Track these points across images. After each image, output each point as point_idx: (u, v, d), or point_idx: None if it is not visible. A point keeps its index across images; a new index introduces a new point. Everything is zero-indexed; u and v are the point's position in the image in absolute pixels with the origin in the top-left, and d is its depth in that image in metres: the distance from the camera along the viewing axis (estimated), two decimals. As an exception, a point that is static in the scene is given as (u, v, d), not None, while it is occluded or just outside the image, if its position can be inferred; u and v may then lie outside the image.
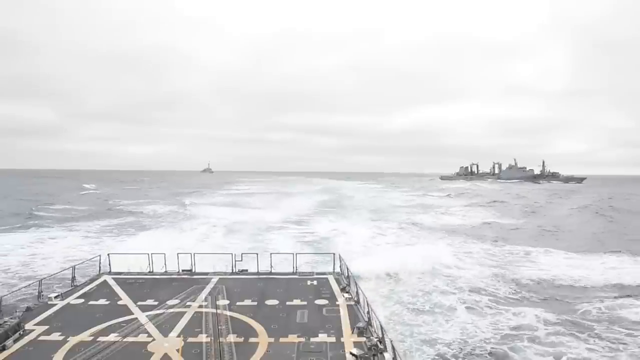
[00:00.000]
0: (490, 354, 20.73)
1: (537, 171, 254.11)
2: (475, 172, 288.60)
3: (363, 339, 13.90)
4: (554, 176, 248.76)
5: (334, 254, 23.19)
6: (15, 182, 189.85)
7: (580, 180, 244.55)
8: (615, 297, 29.76)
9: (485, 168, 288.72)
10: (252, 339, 14.10)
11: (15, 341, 13.79)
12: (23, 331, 14.47)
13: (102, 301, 17.71)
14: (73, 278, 19.91)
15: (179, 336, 14.33)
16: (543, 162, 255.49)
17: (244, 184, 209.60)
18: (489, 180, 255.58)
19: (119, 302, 17.53)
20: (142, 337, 14.23)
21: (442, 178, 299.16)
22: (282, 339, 14.12)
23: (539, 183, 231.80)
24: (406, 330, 22.79)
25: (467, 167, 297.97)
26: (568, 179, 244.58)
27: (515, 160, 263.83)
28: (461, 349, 21.10)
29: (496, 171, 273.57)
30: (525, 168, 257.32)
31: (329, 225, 61.97)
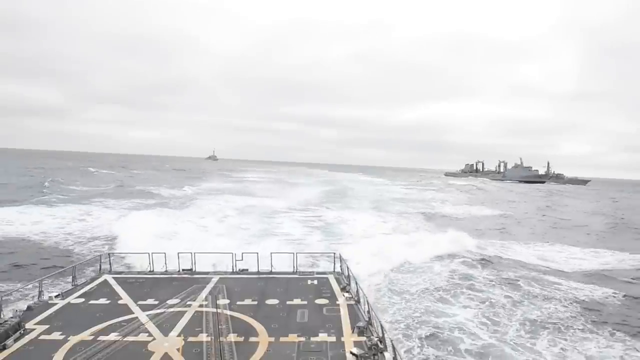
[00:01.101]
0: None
1: (541, 172, 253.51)
2: (481, 170, 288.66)
3: (363, 339, 13.84)
4: (558, 177, 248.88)
5: (334, 253, 23.14)
6: (27, 163, 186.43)
7: (584, 182, 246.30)
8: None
9: (490, 166, 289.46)
10: (252, 339, 14.06)
11: (15, 340, 13.79)
12: (23, 330, 14.45)
13: (103, 300, 17.69)
14: (73, 277, 19.91)
15: (179, 335, 14.29)
16: (548, 163, 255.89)
17: (249, 172, 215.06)
18: (495, 178, 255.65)
19: (120, 302, 17.51)
20: (142, 337, 14.20)
21: (447, 174, 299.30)
22: (282, 339, 14.07)
23: (544, 183, 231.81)
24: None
25: (472, 165, 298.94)
26: (572, 181, 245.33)
27: (521, 159, 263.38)
28: (424, 290, 29.55)
29: (501, 170, 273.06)
30: (531, 168, 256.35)
31: (333, 212, 67.14)
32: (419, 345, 20.90)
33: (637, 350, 21.68)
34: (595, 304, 28.84)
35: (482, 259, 39.23)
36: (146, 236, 38.07)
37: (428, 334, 22.07)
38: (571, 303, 28.43)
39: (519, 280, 32.90)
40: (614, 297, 30.51)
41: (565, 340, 22.62)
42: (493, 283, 31.93)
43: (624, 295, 30.75)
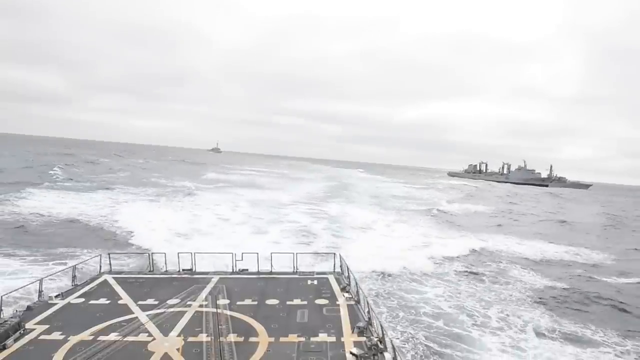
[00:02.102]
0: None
1: (544, 175, 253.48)
2: (484, 171, 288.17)
3: (363, 339, 13.83)
4: (560, 181, 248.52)
5: (334, 253, 23.11)
6: (40, 150, 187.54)
7: (586, 186, 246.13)
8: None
9: (492, 167, 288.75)
10: (252, 339, 14.04)
11: (15, 340, 13.78)
12: (23, 330, 14.44)
13: (103, 300, 17.68)
14: (73, 277, 19.89)
15: (179, 335, 14.28)
16: (551, 167, 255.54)
17: (254, 165, 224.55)
18: (498, 180, 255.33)
19: (120, 302, 17.50)
20: (142, 337, 14.20)
21: (450, 174, 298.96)
22: (282, 339, 14.06)
23: (547, 187, 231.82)
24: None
25: (475, 165, 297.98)
26: (574, 185, 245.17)
27: (524, 162, 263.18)
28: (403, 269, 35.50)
29: (504, 171, 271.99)
30: (534, 171, 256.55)
31: (336, 206, 71.99)
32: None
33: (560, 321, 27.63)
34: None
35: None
36: (176, 222, 46.84)
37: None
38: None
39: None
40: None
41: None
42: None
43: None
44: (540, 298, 31.62)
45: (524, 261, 43.59)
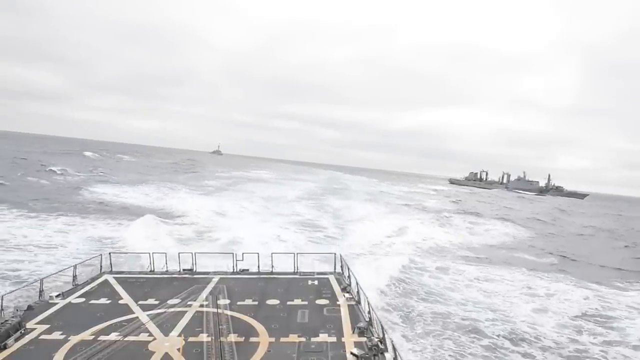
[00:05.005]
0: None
1: (542, 184, 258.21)
2: (484, 179, 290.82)
3: (364, 339, 13.85)
4: (558, 190, 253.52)
5: (334, 254, 23.08)
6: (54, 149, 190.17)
7: (582, 196, 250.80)
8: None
9: (492, 176, 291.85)
10: (252, 339, 14.04)
11: (16, 340, 13.76)
12: (24, 330, 14.44)
13: (103, 300, 17.68)
14: (74, 277, 19.86)
15: (179, 335, 14.28)
16: (549, 176, 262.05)
17: (259, 168, 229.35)
18: (498, 188, 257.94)
19: (120, 302, 17.50)
20: (143, 337, 14.20)
21: (452, 182, 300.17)
22: (282, 339, 14.06)
23: (544, 195, 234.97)
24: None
25: (476, 173, 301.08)
26: (571, 194, 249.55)
27: (524, 173, 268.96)
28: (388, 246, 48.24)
29: (504, 181, 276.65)
30: (533, 181, 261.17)
31: (338, 202, 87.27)
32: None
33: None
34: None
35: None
36: (206, 212, 57.53)
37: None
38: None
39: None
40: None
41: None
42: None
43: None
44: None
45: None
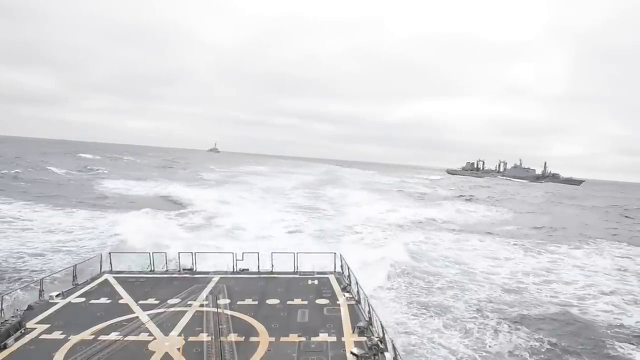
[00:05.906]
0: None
1: (538, 171, 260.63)
2: (481, 169, 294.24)
3: (364, 339, 13.87)
4: (554, 177, 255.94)
5: (334, 253, 23.06)
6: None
7: (578, 182, 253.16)
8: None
9: (489, 165, 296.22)
10: (252, 338, 14.07)
11: (16, 340, 13.77)
12: (24, 330, 14.44)
13: (103, 300, 17.69)
14: (74, 276, 19.83)
15: (179, 335, 14.30)
16: (545, 164, 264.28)
17: (256, 164, 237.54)
18: (495, 177, 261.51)
19: (120, 301, 17.51)
20: (143, 336, 14.22)
21: (449, 172, 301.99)
22: (282, 339, 14.10)
23: (541, 183, 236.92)
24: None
25: (473, 163, 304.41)
26: (567, 181, 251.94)
27: (520, 160, 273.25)
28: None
29: (501, 169, 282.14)
30: (529, 168, 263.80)
31: (333, 190, 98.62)
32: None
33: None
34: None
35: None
36: (212, 201, 64.03)
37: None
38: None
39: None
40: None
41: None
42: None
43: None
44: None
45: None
